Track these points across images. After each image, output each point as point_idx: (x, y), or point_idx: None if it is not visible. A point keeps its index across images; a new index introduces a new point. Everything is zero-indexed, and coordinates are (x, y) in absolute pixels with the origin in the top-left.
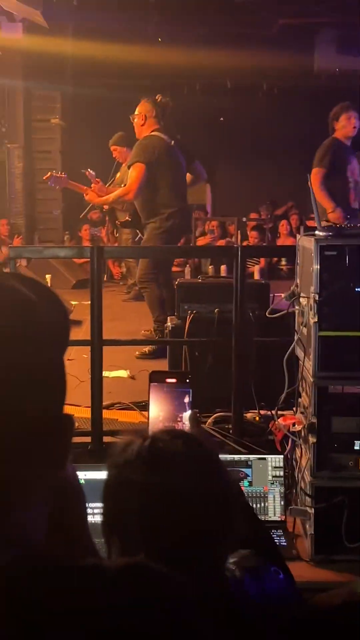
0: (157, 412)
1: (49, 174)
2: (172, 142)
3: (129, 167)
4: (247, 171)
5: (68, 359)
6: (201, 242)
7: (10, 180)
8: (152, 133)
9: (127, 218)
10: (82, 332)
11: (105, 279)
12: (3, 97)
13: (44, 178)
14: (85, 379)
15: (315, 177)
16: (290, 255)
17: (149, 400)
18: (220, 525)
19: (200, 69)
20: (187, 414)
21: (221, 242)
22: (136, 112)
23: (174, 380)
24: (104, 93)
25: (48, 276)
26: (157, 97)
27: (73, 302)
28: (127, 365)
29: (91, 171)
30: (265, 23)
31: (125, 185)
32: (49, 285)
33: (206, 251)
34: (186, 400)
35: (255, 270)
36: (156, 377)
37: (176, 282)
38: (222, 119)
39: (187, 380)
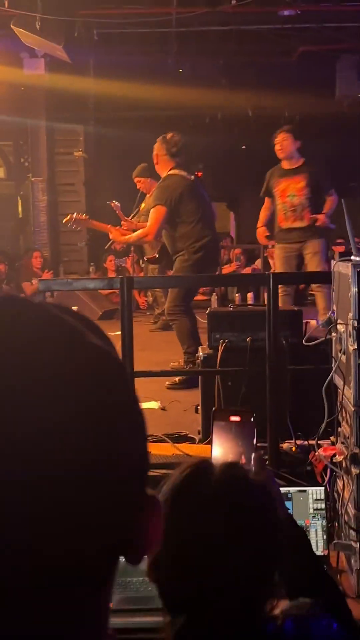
0: (221, 451)
1: (69, 216)
2: (192, 177)
3: (150, 209)
4: None
5: None
6: (226, 270)
7: (34, 213)
8: (170, 172)
9: (155, 255)
10: None
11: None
12: (26, 132)
13: (64, 221)
14: None
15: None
16: (324, 281)
17: (211, 440)
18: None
19: (221, 99)
20: (253, 455)
21: (247, 270)
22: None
23: (238, 419)
24: (127, 125)
25: (74, 308)
26: (167, 135)
27: None
28: (157, 396)
29: (116, 202)
30: (285, 51)
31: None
32: None
33: (237, 279)
34: (252, 439)
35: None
36: (220, 415)
37: (207, 311)
38: (244, 147)
39: (252, 419)
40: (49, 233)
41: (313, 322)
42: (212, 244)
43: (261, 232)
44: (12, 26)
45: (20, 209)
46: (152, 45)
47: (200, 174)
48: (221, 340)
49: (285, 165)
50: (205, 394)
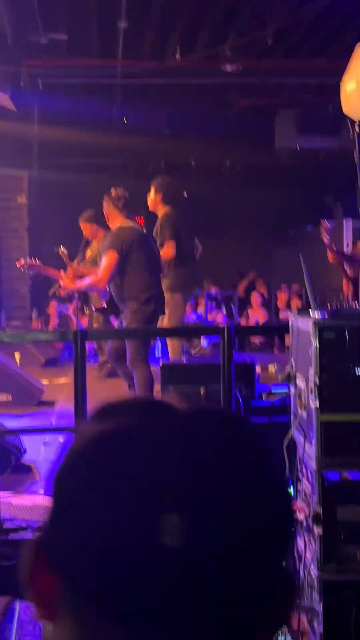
0: None
1: (22, 261)
2: (143, 229)
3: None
4: (213, 245)
5: (44, 442)
6: None
7: None
8: (121, 224)
9: (102, 304)
10: (55, 414)
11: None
12: None
13: (18, 266)
14: None
15: None
16: (281, 333)
17: None
18: None
19: (164, 148)
20: None
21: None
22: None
23: None
24: (70, 173)
25: (17, 354)
26: (111, 193)
27: (44, 381)
28: None
29: (63, 249)
30: (227, 104)
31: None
32: (18, 364)
33: (196, 331)
34: None
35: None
36: None
37: (160, 364)
38: (185, 195)
39: None
40: None
41: (272, 369)
42: (159, 295)
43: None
44: None
45: None
46: (97, 94)
47: (142, 219)
48: (175, 392)
49: None
50: None
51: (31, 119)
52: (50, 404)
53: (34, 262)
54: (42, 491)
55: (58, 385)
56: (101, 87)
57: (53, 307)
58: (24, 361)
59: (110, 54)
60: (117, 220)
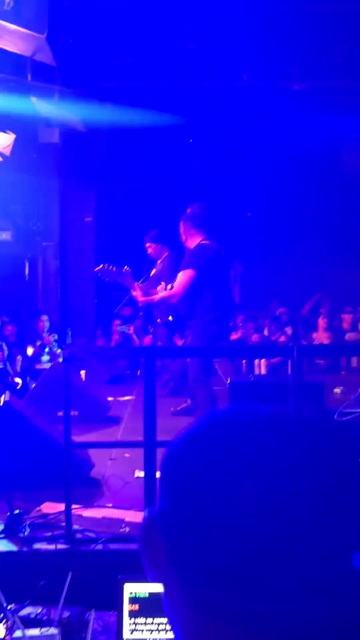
0: None
1: (101, 266)
2: (222, 250)
3: (179, 271)
4: (273, 262)
5: (110, 459)
6: (233, 336)
7: (44, 277)
8: (201, 242)
9: (168, 318)
10: (121, 431)
11: (139, 373)
12: (39, 197)
13: (95, 270)
14: (130, 479)
15: None
16: (349, 355)
17: None
18: None
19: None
20: None
21: (255, 337)
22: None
23: None
24: (134, 191)
25: (83, 372)
26: (187, 212)
27: (109, 399)
28: None
29: (128, 268)
30: None
31: (171, 287)
32: (83, 379)
33: (263, 350)
34: None
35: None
36: None
37: (228, 381)
38: (249, 214)
39: None
40: (58, 297)
41: (337, 390)
42: (226, 318)
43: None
44: (31, 98)
45: (27, 272)
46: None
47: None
48: None
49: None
50: None
51: (100, 139)
52: (116, 420)
53: (110, 269)
54: (110, 504)
55: (122, 402)
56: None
57: (115, 326)
58: (89, 378)
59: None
60: (196, 239)
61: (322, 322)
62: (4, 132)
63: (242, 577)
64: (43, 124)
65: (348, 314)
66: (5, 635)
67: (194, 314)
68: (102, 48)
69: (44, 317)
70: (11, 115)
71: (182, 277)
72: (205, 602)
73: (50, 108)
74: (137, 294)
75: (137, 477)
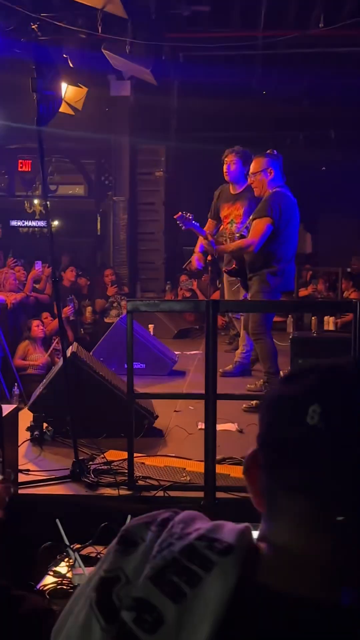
0: None
1: (179, 213)
2: (295, 200)
3: (253, 219)
4: (349, 221)
5: (175, 411)
6: (302, 293)
7: (115, 231)
8: (278, 189)
9: (233, 266)
10: (186, 384)
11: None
12: (108, 151)
13: (174, 217)
14: (193, 431)
15: None
16: None
17: None
18: None
19: (304, 120)
20: None
21: (327, 294)
22: (251, 172)
23: None
24: (207, 146)
25: (151, 326)
26: (269, 151)
27: (177, 352)
28: (234, 418)
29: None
30: None
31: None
32: (152, 333)
33: (324, 306)
34: None
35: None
36: None
37: (290, 336)
38: (324, 168)
39: None
40: (128, 251)
41: None
42: (293, 269)
43: (195, 260)
44: (102, 50)
45: (99, 226)
46: (237, 67)
47: None
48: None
49: (230, 189)
50: None
51: (171, 92)
52: (182, 373)
53: (188, 217)
54: (172, 455)
55: (190, 356)
56: (241, 58)
57: (182, 281)
58: (157, 332)
59: (252, 25)
60: (270, 185)
61: None
62: (76, 85)
63: (329, 491)
64: (114, 77)
65: None
66: (68, 571)
67: (261, 263)
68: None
69: (108, 272)
70: (83, 68)
71: (258, 225)
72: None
73: (122, 61)
74: (206, 243)
75: (200, 429)
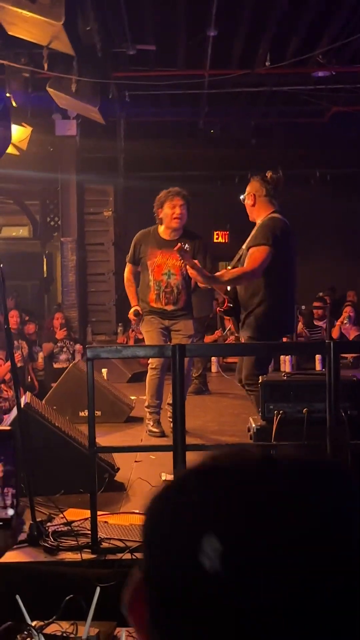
0: None
1: (179, 245)
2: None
3: (248, 248)
4: (301, 261)
5: (135, 461)
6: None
7: (63, 273)
8: (273, 215)
9: (229, 304)
10: (145, 431)
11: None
12: (54, 192)
13: (175, 249)
14: (157, 483)
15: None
16: None
17: None
18: None
19: (251, 158)
20: None
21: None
22: (246, 192)
23: None
24: (155, 185)
25: (104, 370)
26: (267, 174)
27: (132, 397)
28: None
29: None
30: (318, 111)
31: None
32: (105, 379)
33: (296, 348)
34: None
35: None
36: None
37: (260, 380)
38: None
39: None
40: (77, 293)
41: None
42: (293, 304)
43: (134, 312)
44: (47, 88)
45: (45, 268)
46: (183, 106)
47: (227, 233)
48: (276, 412)
49: (163, 234)
50: None
51: (117, 131)
52: (139, 420)
53: (186, 249)
54: (136, 510)
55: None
56: (188, 98)
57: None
58: (111, 376)
59: (198, 64)
60: (267, 209)
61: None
62: (20, 125)
63: None
64: (60, 116)
65: None
66: None
67: (258, 298)
68: (119, 37)
69: (59, 315)
70: (27, 107)
71: (257, 253)
72: None
73: (67, 99)
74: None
75: (164, 481)
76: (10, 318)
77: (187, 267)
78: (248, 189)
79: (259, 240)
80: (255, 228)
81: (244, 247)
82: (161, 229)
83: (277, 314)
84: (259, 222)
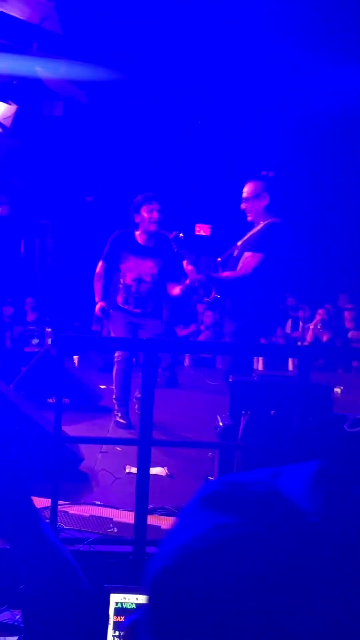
0: None
1: (174, 233)
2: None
3: (244, 250)
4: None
5: (101, 452)
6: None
7: (40, 256)
8: (272, 220)
9: (217, 295)
10: (112, 422)
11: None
12: (39, 172)
13: (170, 236)
14: (121, 475)
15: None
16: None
17: None
18: None
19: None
20: None
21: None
22: (245, 195)
23: None
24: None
25: (76, 357)
26: (264, 173)
27: (102, 386)
28: (164, 462)
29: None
30: None
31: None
32: (75, 365)
33: (274, 348)
34: None
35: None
36: None
37: (229, 379)
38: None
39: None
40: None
41: (337, 390)
42: (278, 311)
43: (100, 308)
44: (36, 68)
45: (22, 249)
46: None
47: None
48: (243, 412)
49: (139, 239)
50: (222, 467)
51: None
52: (108, 410)
53: (181, 237)
54: (98, 502)
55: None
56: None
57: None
58: (81, 364)
59: None
60: (264, 216)
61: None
62: (6, 102)
63: None
64: (47, 95)
65: (349, 311)
66: None
67: (246, 299)
68: (109, 17)
69: (29, 300)
70: (14, 85)
71: (252, 259)
72: None
73: (54, 79)
74: (191, 268)
75: (129, 473)
76: None
77: (185, 261)
78: (247, 191)
79: (254, 247)
80: (256, 230)
81: (239, 244)
82: (137, 233)
83: (261, 315)
84: (260, 225)
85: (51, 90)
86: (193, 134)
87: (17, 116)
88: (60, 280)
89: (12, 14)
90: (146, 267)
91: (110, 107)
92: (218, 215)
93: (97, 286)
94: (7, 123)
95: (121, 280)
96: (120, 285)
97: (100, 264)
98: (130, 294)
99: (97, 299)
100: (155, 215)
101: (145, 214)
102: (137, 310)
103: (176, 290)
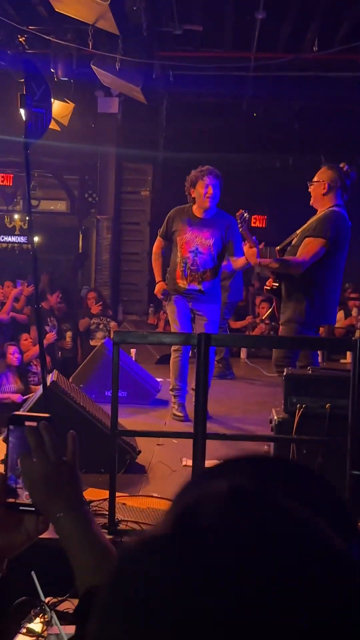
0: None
1: (240, 211)
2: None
3: (305, 236)
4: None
5: (158, 444)
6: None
7: (97, 251)
8: (334, 208)
9: (273, 284)
10: (170, 414)
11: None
12: (95, 168)
13: (237, 214)
14: (177, 468)
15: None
16: None
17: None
18: None
19: (293, 143)
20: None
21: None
22: (315, 179)
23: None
24: (195, 166)
25: (133, 351)
26: (342, 166)
27: (159, 379)
28: (220, 454)
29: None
30: None
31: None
32: (134, 359)
33: (321, 343)
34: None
35: None
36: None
37: (284, 373)
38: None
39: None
40: (111, 271)
41: None
42: (335, 300)
43: (161, 290)
44: (92, 66)
45: (80, 243)
46: (227, 87)
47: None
48: (298, 405)
49: (197, 212)
50: None
51: (159, 111)
52: (165, 402)
53: (245, 217)
54: (155, 494)
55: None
56: (232, 79)
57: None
58: (139, 357)
59: (245, 46)
60: (334, 201)
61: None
62: (63, 100)
63: None
64: (102, 93)
65: None
66: (43, 631)
67: (303, 289)
68: (166, 17)
69: (91, 295)
70: (70, 84)
71: (312, 245)
72: None
73: (111, 78)
74: (252, 252)
75: (185, 466)
76: (52, 297)
77: (245, 243)
78: (322, 176)
79: (317, 232)
80: (316, 217)
81: (298, 232)
82: (194, 207)
83: (315, 308)
84: (320, 212)
85: (107, 88)
86: (251, 128)
87: (74, 114)
88: (117, 274)
89: (67, 14)
90: (203, 238)
91: (166, 104)
92: (275, 206)
93: (156, 265)
94: (65, 121)
95: (178, 254)
96: (178, 260)
97: (158, 241)
98: (187, 267)
99: (157, 278)
100: (210, 190)
101: (200, 189)
102: (195, 285)
103: (240, 261)
